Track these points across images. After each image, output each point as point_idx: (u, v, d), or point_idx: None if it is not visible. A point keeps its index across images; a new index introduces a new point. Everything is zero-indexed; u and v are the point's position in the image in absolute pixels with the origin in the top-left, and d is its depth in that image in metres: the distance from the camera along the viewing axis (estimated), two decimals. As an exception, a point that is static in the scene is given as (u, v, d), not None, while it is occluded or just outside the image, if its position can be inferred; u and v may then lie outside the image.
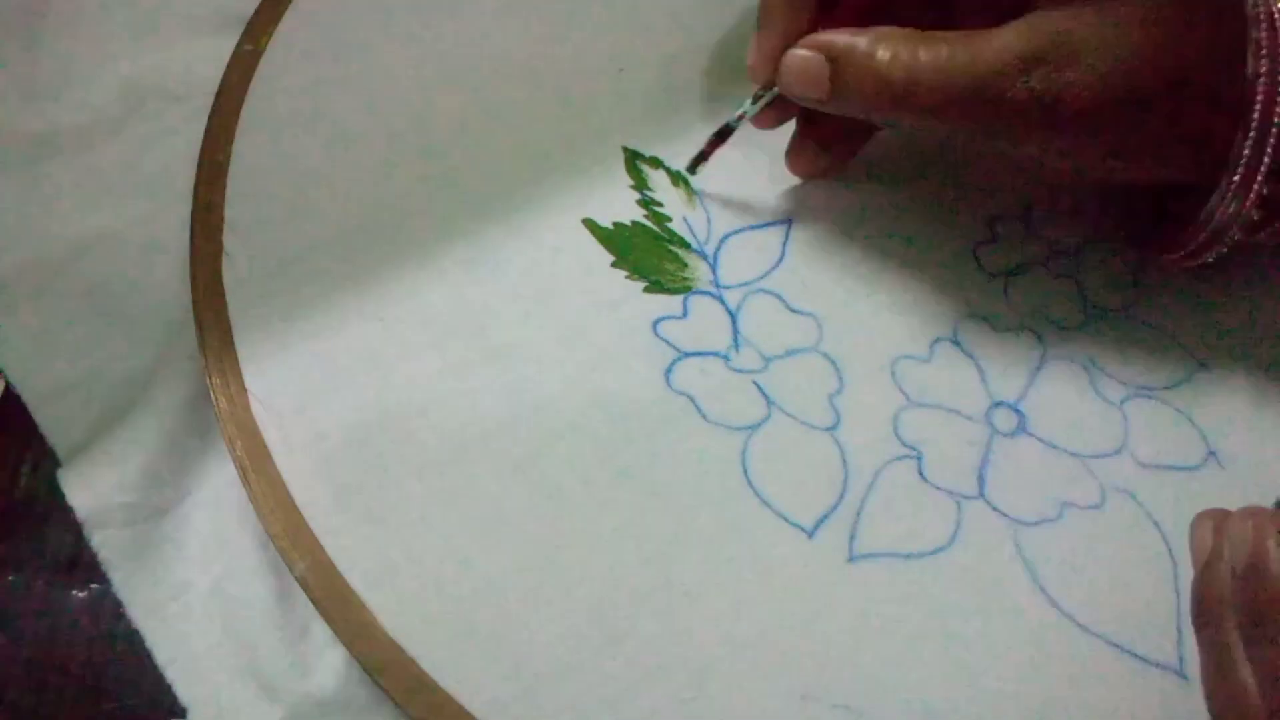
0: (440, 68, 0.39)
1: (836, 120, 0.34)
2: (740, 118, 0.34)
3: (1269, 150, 0.27)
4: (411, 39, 0.40)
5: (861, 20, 0.31)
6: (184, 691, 0.29)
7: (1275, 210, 0.28)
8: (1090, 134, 0.29)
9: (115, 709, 0.30)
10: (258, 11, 0.41)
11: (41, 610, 0.32)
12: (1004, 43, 0.28)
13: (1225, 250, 0.30)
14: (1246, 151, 0.28)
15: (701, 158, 0.36)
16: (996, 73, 0.28)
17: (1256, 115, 0.27)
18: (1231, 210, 0.29)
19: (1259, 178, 0.28)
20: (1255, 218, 0.29)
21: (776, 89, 0.33)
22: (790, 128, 0.36)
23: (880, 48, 0.30)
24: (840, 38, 0.31)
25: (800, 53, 0.31)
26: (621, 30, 0.41)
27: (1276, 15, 0.27)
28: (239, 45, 0.40)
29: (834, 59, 0.31)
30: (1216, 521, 0.26)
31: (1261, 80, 0.27)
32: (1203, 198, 0.30)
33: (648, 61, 0.40)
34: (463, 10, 0.41)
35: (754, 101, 0.34)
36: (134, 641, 0.30)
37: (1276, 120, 0.27)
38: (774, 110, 0.34)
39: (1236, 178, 0.28)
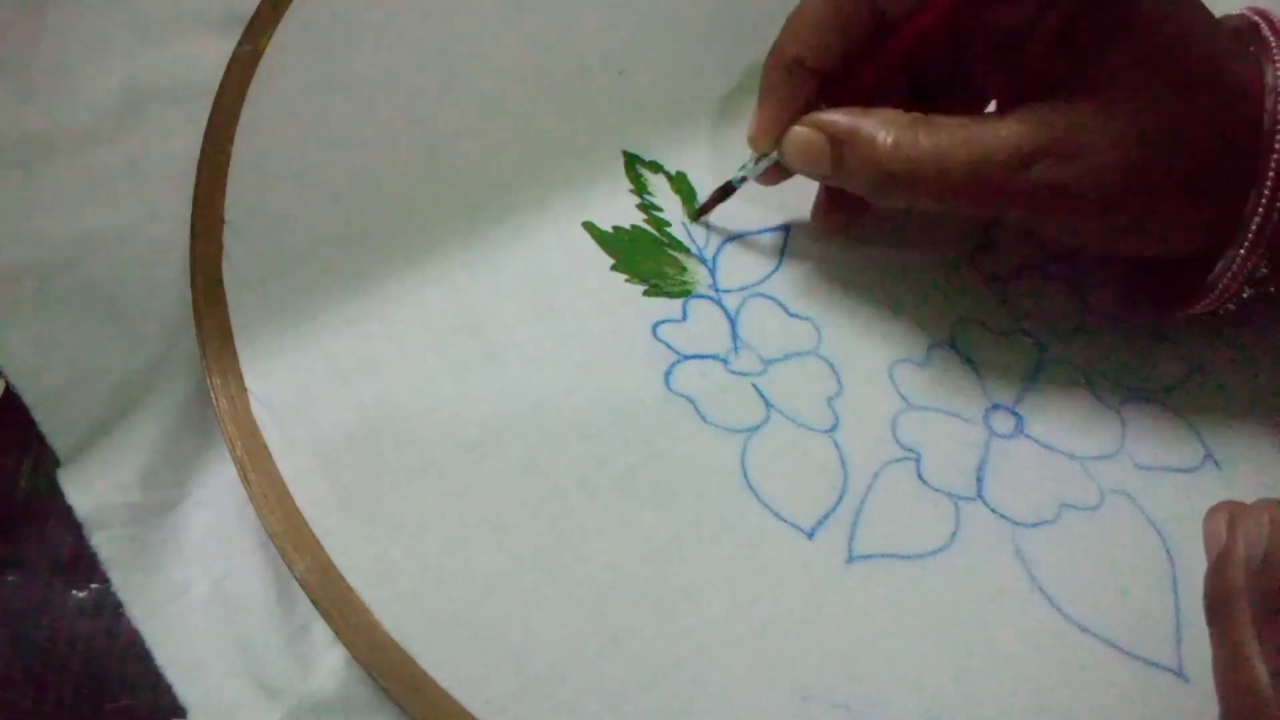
0: (440, 70, 0.40)
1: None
2: (743, 179, 0.34)
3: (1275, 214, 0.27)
4: (411, 40, 0.40)
5: (867, 98, 0.31)
6: (184, 691, 0.30)
7: None
8: (1095, 219, 0.29)
9: (115, 709, 0.30)
10: (258, 11, 0.41)
11: (41, 610, 0.32)
12: (1007, 133, 0.28)
13: (1230, 306, 0.30)
14: (1260, 213, 0.28)
15: (704, 210, 0.36)
16: (999, 164, 0.28)
17: (1271, 176, 0.27)
18: (1240, 270, 0.29)
19: (1268, 232, 0.28)
20: (1265, 272, 0.29)
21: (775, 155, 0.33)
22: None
23: (882, 133, 0.30)
24: (843, 120, 0.30)
25: (803, 131, 0.31)
26: (621, 33, 0.41)
27: None
28: (239, 45, 0.40)
29: (835, 140, 0.31)
30: (1230, 515, 0.26)
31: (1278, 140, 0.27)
32: (1204, 263, 0.30)
33: (648, 64, 0.40)
34: (463, 12, 0.41)
35: (755, 162, 0.34)
36: (134, 641, 0.30)
37: None
38: (776, 171, 0.34)
39: (1248, 241, 0.28)
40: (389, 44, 0.40)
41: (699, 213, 0.36)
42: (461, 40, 0.40)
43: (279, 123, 0.38)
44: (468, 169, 0.37)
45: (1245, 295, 0.29)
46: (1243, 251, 0.28)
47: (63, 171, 0.39)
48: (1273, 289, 0.29)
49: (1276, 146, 0.27)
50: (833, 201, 0.35)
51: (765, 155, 0.33)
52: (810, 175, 0.32)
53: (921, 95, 0.33)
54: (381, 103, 0.39)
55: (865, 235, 0.36)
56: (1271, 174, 0.27)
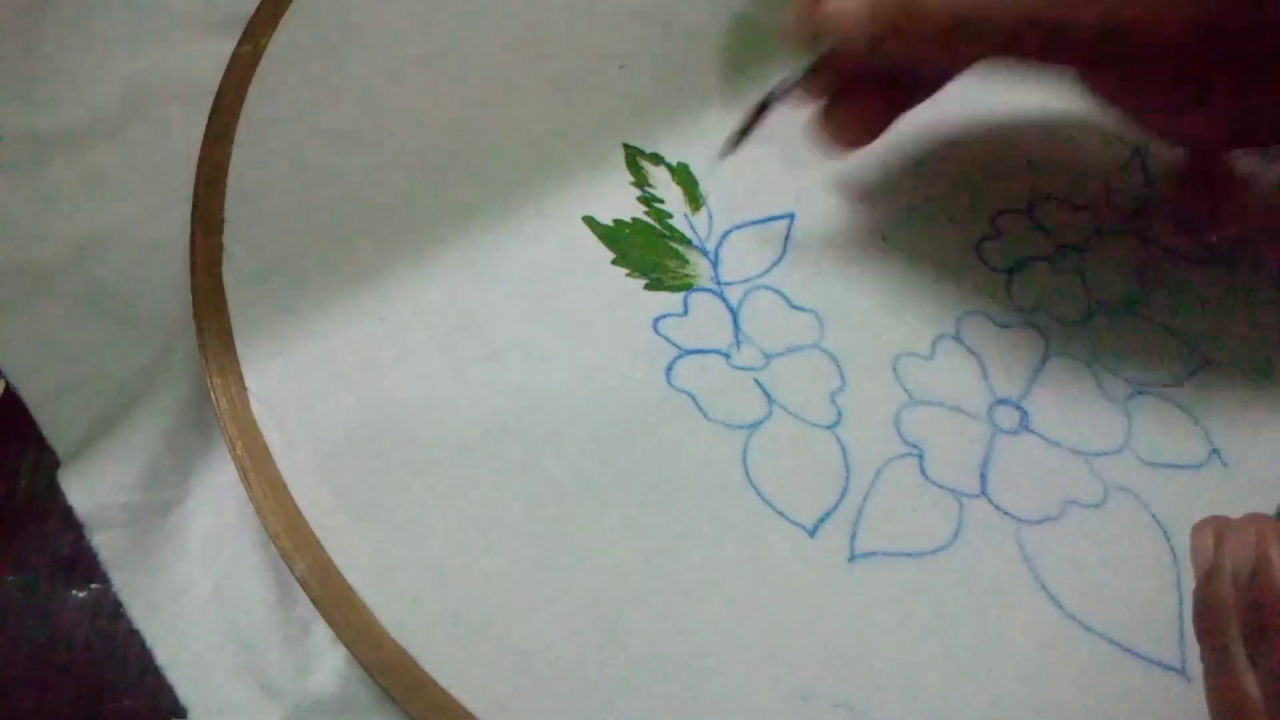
0: (440, 66, 0.39)
1: (874, 90, 0.32)
2: (782, 88, 0.32)
3: None
4: (411, 39, 0.40)
5: None
6: (184, 691, 0.30)
7: None
8: (1162, 71, 0.27)
9: (115, 709, 0.30)
10: (258, 12, 0.41)
11: (41, 610, 0.32)
12: None
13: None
14: None
15: (743, 134, 0.33)
16: (1057, 1, 0.26)
17: None
18: None
19: None
20: None
21: (818, 55, 0.31)
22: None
23: None
24: None
25: None
26: (622, 27, 0.41)
27: None
28: (239, 45, 0.40)
29: None
30: (1217, 529, 0.26)
31: None
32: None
33: (648, 58, 0.40)
34: (462, 9, 0.41)
35: (799, 71, 0.31)
36: (134, 641, 0.30)
37: None
38: (818, 78, 0.31)
39: None
40: (389, 44, 0.40)
41: (737, 137, 0.33)
42: (461, 38, 0.40)
43: (279, 123, 0.38)
44: (468, 166, 0.37)
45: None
46: None
47: (63, 171, 0.39)
48: None
49: None
50: (849, 105, 0.32)
51: (802, 66, 0.31)
52: (860, 44, 0.29)
53: None
54: (381, 102, 0.38)
55: (868, 226, 0.35)
56: None
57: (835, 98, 0.33)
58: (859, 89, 0.32)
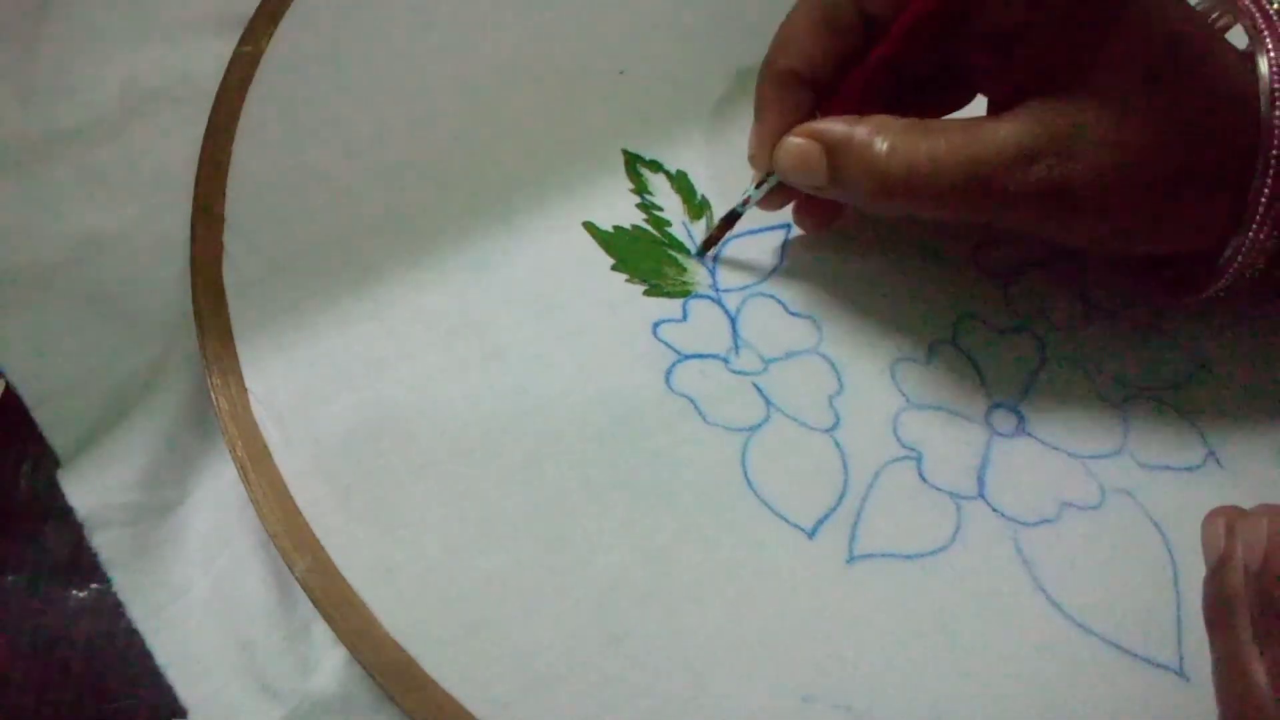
0: (440, 69, 0.39)
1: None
2: (745, 203, 0.34)
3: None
4: (411, 40, 0.40)
5: (860, 107, 0.31)
6: (184, 692, 0.29)
7: None
8: (1092, 223, 0.29)
9: (115, 709, 0.30)
10: (258, 12, 0.41)
11: (41, 610, 0.32)
12: (1004, 135, 0.28)
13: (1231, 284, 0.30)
14: (1264, 196, 0.28)
15: (711, 242, 0.35)
16: (997, 166, 0.28)
17: (1275, 158, 0.27)
18: (1250, 252, 0.29)
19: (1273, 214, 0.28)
20: (1261, 266, 0.29)
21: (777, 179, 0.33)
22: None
23: (878, 139, 0.29)
24: (837, 127, 0.30)
25: (796, 141, 0.31)
26: (622, 32, 0.41)
27: None
28: (239, 46, 0.40)
29: (831, 149, 0.30)
30: (1228, 519, 0.26)
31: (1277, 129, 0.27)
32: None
33: (648, 64, 0.40)
34: (463, 12, 0.41)
35: (757, 186, 0.33)
36: (134, 641, 0.30)
37: None
38: (779, 193, 0.34)
39: (1255, 221, 0.28)
40: (389, 44, 0.40)
41: (706, 246, 0.35)
42: (461, 40, 0.40)
43: (279, 123, 0.38)
44: (468, 169, 0.37)
45: (1252, 275, 0.29)
46: (1251, 234, 0.28)
47: (63, 171, 0.39)
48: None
49: (1276, 138, 0.27)
50: (812, 199, 0.34)
51: (767, 178, 0.33)
52: (808, 189, 0.32)
53: (911, 99, 0.32)
54: (381, 103, 0.39)
55: (866, 233, 0.36)
56: (1275, 153, 0.27)
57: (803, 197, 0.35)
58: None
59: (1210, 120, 0.28)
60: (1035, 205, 0.28)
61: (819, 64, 0.31)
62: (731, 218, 0.34)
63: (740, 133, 0.34)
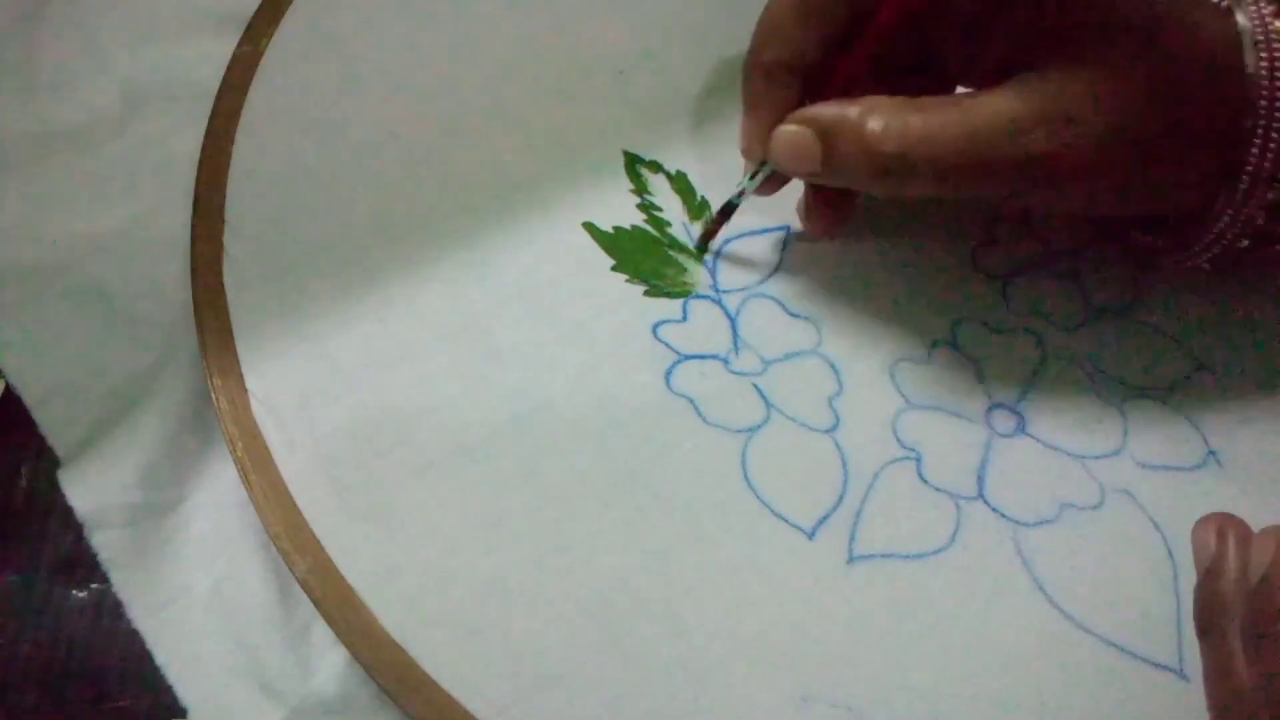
0: (440, 69, 0.40)
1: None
2: (741, 194, 0.34)
3: (1270, 156, 0.27)
4: (411, 40, 0.40)
5: (849, 92, 0.31)
6: (184, 692, 0.30)
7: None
8: (1090, 186, 0.29)
9: (115, 709, 0.30)
10: (258, 12, 0.41)
11: (41, 610, 0.32)
12: (997, 108, 0.28)
13: (1222, 251, 0.30)
14: (1251, 161, 0.27)
15: (708, 236, 0.35)
16: (990, 139, 0.28)
17: (1262, 122, 0.27)
18: (1236, 216, 0.29)
19: (1266, 183, 0.28)
20: (1260, 222, 0.29)
21: (770, 168, 0.33)
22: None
23: (871, 119, 0.29)
24: (828, 110, 0.30)
25: (789, 129, 0.31)
26: (622, 33, 0.41)
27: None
28: (239, 45, 0.40)
29: (824, 133, 0.30)
30: (1218, 526, 0.26)
31: (1263, 82, 0.27)
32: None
33: (648, 64, 0.40)
34: (462, 12, 0.41)
35: (751, 177, 0.33)
36: (134, 641, 0.30)
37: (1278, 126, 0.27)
38: (774, 180, 0.34)
39: (1243, 186, 0.28)
40: (389, 44, 0.40)
41: (704, 239, 0.35)
42: (461, 40, 0.40)
43: (279, 123, 0.38)
44: (467, 169, 0.37)
45: (1243, 245, 0.29)
46: (1242, 189, 0.28)
47: (63, 171, 0.39)
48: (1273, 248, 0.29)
49: (1263, 92, 0.27)
50: (819, 200, 0.34)
51: (761, 167, 0.33)
52: (803, 176, 0.32)
53: (891, 82, 0.32)
54: (381, 103, 0.39)
55: (865, 234, 0.36)
56: (1263, 116, 0.27)
57: (809, 189, 0.35)
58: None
59: (1196, 74, 0.27)
60: (1032, 173, 0.28)
61: (804, 52, 0.31)
62: (728, 210, 0.35)
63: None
